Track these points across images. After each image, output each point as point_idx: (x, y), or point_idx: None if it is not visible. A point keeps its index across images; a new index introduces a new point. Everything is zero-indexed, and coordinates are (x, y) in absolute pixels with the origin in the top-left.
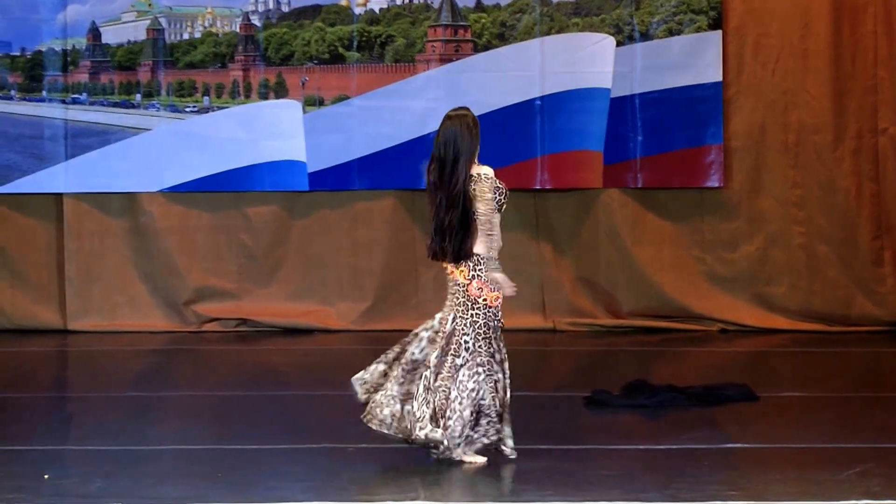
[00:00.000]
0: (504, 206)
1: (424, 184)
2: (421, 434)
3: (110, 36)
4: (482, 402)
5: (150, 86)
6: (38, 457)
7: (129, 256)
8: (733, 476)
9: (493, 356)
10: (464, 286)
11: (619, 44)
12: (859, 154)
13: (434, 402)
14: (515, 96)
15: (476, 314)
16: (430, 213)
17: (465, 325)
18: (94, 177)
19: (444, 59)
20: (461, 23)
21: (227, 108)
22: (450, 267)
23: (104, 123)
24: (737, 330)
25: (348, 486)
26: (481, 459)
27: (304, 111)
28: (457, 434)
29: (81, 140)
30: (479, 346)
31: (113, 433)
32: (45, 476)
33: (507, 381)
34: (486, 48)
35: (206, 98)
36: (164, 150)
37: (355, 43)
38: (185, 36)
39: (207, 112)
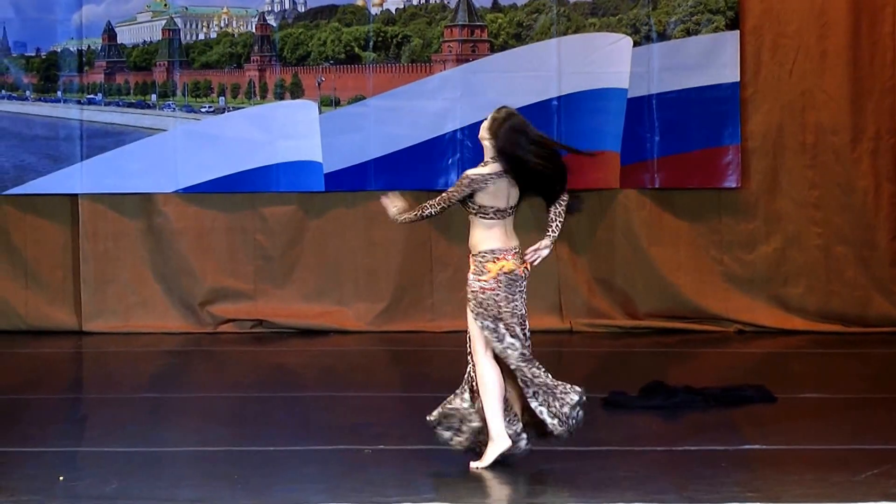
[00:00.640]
0: (476, 193)
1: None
2: (565, 409)
3: (126, 36)
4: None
5: (165, 86)
6: (53, 458)
7: (144, 257)
8: (750, 478)
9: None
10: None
11: (636, 44)
12: (877, 155)
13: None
14: (532, 97)
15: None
16: None
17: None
18: (109, 177)
19: (461, 60)
20: (478, 23)
21: (242, 108)
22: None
23: (120, 124)
24: (754, 331)
25: (364, 487)
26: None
27: (320, 111)
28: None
29: (97, 141)
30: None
31: (128, 435)
32: (60, 478)
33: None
34: (503, 48)
35: (221, 98)
36: (180, 150)
37: (371, 43)
38: (201, 36)
39: (223, 112)
